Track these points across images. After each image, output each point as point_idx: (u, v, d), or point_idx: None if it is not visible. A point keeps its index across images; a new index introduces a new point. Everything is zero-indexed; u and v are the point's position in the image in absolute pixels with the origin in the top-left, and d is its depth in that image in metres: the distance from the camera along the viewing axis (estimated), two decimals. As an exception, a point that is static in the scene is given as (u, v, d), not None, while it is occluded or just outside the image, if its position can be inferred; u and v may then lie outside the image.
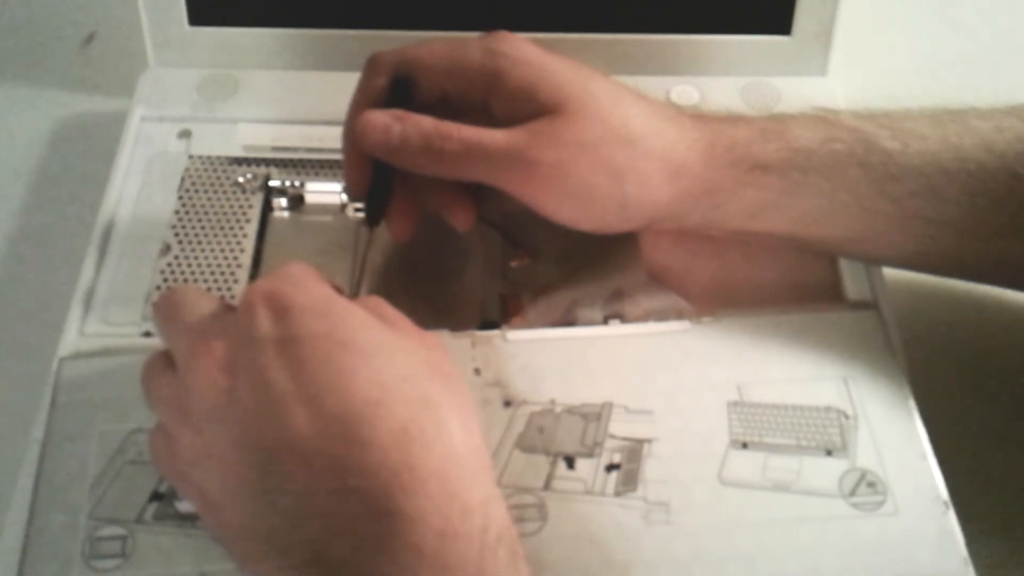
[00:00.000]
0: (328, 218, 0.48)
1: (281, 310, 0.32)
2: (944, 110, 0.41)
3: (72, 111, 0.56)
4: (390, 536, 0.29)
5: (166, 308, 0.35)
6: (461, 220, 0.43)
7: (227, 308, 0.35)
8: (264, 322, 0.32)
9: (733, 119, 0.41)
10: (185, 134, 0.50)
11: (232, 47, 0.52)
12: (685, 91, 0.53)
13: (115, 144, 0.49)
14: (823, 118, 0.41)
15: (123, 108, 0.51)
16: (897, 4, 0.62)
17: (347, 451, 0.30)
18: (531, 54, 0.40)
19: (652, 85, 0.51)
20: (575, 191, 0.39)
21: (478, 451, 0.33)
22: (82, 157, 0.54)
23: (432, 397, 0.32)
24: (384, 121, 0.39)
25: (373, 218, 0.41)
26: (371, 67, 0.42)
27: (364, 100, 0.41)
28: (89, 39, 0.60)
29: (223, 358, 0.32)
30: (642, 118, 0.39)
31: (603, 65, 0.52)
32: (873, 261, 0.44)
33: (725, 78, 0.53)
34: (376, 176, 0.41)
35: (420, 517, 0.30)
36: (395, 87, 0.41)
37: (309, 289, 0.33)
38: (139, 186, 0.48)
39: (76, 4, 0.61)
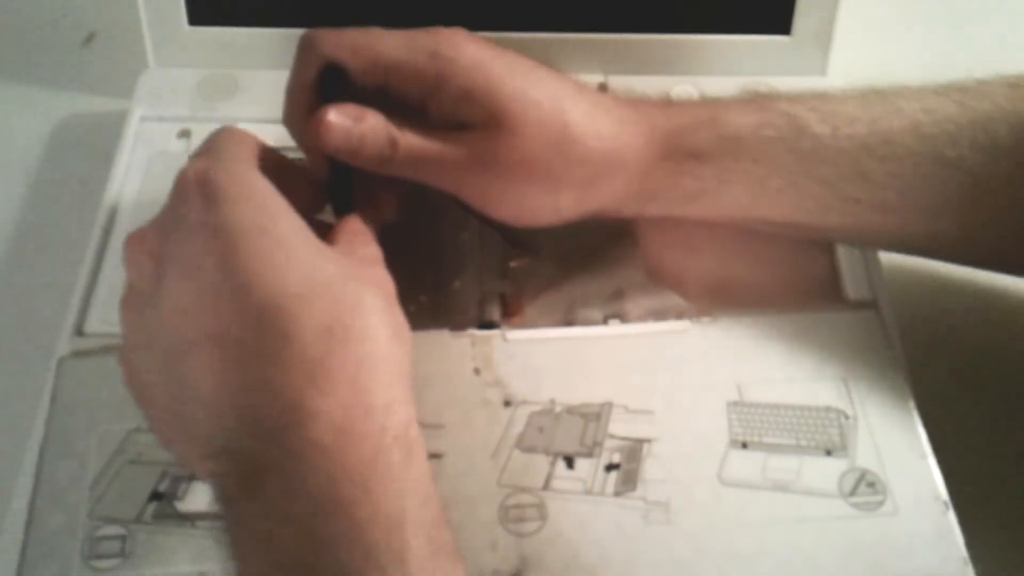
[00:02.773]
0: (328, 217, 0.48)
1: (212, 195, 0.32)
2: (874, 91, 0.41)
3: (72, 111, 0.56)
4: (290, 429, 0.30)
5: None
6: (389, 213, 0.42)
7: None
8: (195, 207, 0.32)
9: (667, 106, 0.42)
10: (185, 134, 0.50)
11: (232, 47, 0.52)
12: (685, 91, 0.52)
13: (115, 144, 0.49)
14: (756, 103, 0.41)
15: (123, 108, 0.51)
16: (897, 4, 0.62)
17: (266, 343, 0.30)
18: (476, 59, 0.39)
19: (652, 85, 0.51)
20: (511, 200, 0.40)
21: (400, 360, 0.33)
22: (82, 157, 0.54)
23: (365, 302, 0.32)
24: (344, 124, 0.38)
25: (339, 207, 0.41)
26: (307, 51, 0.40)
27: (303, 87, 0.40)
28: (89, 39, 0.60)
29: (153, 244, 0.33)
30: (581, 119, 0.39)
31: (603, 65, 0.53)
32: (812, 238, 0.44)
33: (725, 78, 0.53)
34: (334, 166, 0.40)
35: (322, 413, 0.30)
36: (328, 73, 0.40)
37: (244, 177, 0.33)
38: (139, 186, 0.48)
39: (76, 4, 0.61)
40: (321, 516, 0.29)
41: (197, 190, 0.32)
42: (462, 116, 0.38)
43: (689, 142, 0.40)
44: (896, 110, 0.40)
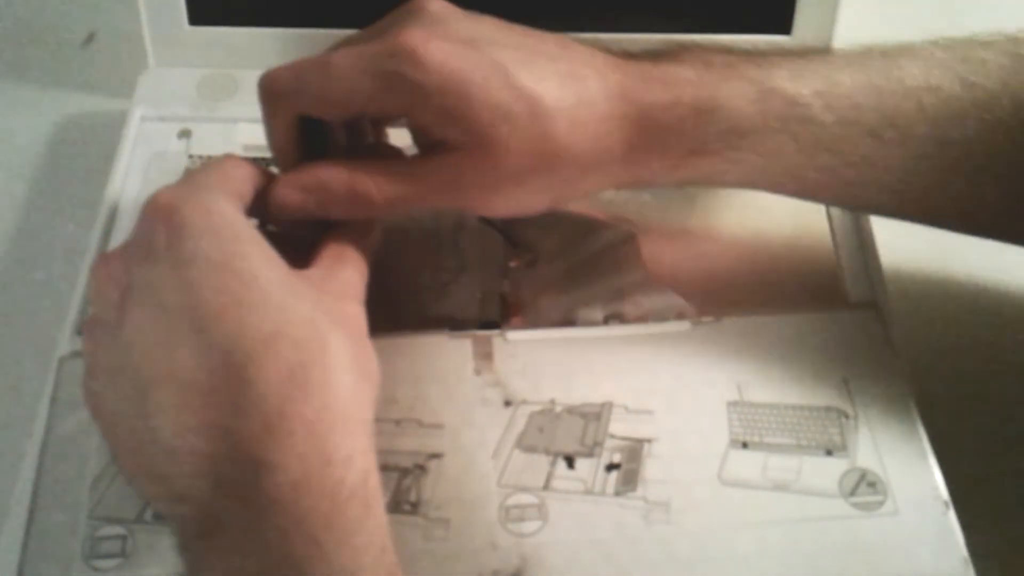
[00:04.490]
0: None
1: (177, 227, 0.31)
2: (877, 65, 0.40)
3: (72, 111, 0.56)
4: (247, 482, 0.29)
5: None
6: None
7: None
8: (159, 238, 0.31)
9: (663, 87, 0.38)
10: (185, 134, 0.50)
11: (232, 47, 0.52)
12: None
13: (115, 144, 0.49)
14: (757, 84, 0.38)
15: (123, 108, 0.51)
16: (897, 5, 0.62)
17: (227, 388, 0.29)
18: (446, 75, 0.35)
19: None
20: (501, 203, 0.38)
21: (362, 407, 0.32)
22: (82, 157, 0.54)
23: (330, 347, 0.31)
24: (297, 199, 0.36)
25: None
26: (272, 105, 0.37)
27: (285, 143, 0.38)
28: (89, 39, 0.60)
29: (118, 272, 0.32)
30: (565, 126, 0.37)
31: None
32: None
33: (725, 78, 0.53)
34: None
35: (280, 466, 0.29)
36: (305, 124, 0.38)
37: (212, 209, 0.32)
38: (139, 186, 0.48)
39: (76, 4, 0.61)
40: (274, 571, 0.29)
41: (163, 220, 0.31)
42: (440, 136, 0.36)
43: (687, 139, 0.38)
44: (902, 91, 0.39)
